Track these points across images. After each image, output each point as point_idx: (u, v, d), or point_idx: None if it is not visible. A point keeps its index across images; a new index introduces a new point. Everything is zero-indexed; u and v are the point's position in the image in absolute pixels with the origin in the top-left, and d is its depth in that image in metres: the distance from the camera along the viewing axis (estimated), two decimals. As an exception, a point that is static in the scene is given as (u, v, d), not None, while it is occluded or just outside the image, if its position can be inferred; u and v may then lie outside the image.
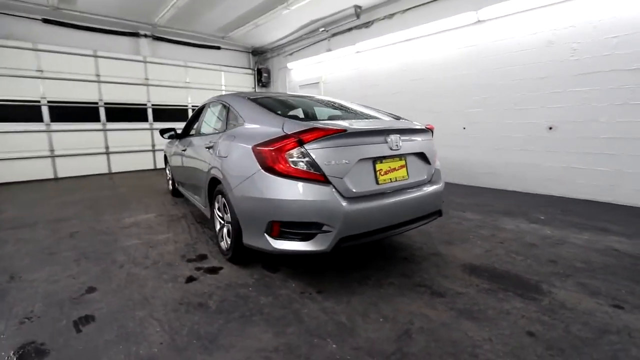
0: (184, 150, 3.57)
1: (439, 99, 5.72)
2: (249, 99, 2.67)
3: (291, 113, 2.67)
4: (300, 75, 8.57)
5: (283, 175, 1.87)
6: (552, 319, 1.78)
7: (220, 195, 2.48)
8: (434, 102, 5.81)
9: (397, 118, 2.77)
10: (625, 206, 3.94)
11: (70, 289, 2.14)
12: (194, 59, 8.34)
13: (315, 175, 1.87)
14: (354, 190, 1.95)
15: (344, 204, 1.86)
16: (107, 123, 7.22)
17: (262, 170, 1.94)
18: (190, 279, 2.26)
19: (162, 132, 4.15)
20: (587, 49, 4.08)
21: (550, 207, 3.99)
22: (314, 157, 1.87)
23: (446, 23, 5.30)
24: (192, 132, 3.73)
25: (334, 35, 7.32)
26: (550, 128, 4.52)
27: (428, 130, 2.48)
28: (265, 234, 1.98)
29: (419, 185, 2.31)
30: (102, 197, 4.95)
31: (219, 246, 2.65)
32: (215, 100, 3.25)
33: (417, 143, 2.33)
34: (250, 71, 9.47)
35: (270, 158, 1.90)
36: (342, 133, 1.93)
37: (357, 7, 6.12)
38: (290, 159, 1.87)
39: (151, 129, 7.83)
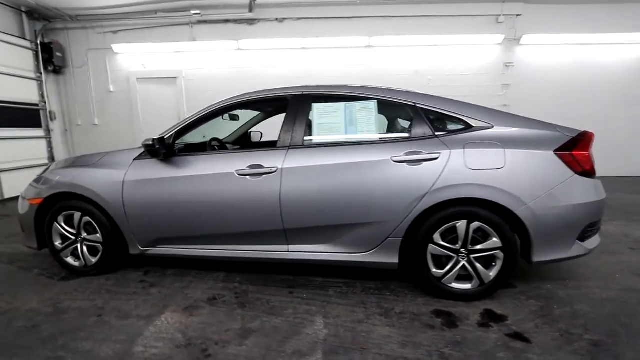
0: (257, 175, 2.08)
1: (335, 107, 6.35)
2: (434, 96, 2.22)
3: None
4: (137, 64, 6.09)
5: (593, 176, 1.99)
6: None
7: (467, 222, 1.94)
8: (331, 110, 6.37)
9: None
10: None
11: None
12: None
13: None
14: None
15: None
16: None
17: (576, 175, 1.92)
18: (522, 339, 1.70)
19: (150, 148, 2.08)
20: (437, 79, 6.24)
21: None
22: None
23: (342, 41, 6.01)
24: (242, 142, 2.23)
25: (199, 22, 5.92)
26: (420, 132, 6.48)
27: None
28: (577, 241, 1.97)
29: None
30: None
31: (455, 294, 2.05)
32: (329, 92, 2.29)
33: None
34: (27, 44, 5.39)
35: (586, 161, 1.94)
36: None
37: (253, -1, 5.41)
38: (593, 160, 2.02)
39: None
